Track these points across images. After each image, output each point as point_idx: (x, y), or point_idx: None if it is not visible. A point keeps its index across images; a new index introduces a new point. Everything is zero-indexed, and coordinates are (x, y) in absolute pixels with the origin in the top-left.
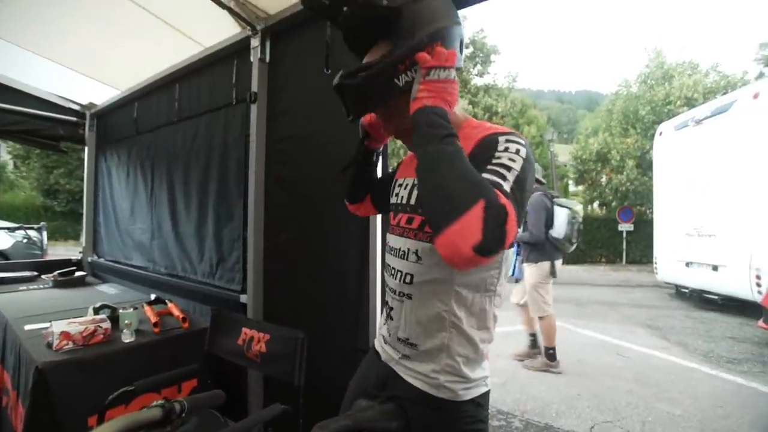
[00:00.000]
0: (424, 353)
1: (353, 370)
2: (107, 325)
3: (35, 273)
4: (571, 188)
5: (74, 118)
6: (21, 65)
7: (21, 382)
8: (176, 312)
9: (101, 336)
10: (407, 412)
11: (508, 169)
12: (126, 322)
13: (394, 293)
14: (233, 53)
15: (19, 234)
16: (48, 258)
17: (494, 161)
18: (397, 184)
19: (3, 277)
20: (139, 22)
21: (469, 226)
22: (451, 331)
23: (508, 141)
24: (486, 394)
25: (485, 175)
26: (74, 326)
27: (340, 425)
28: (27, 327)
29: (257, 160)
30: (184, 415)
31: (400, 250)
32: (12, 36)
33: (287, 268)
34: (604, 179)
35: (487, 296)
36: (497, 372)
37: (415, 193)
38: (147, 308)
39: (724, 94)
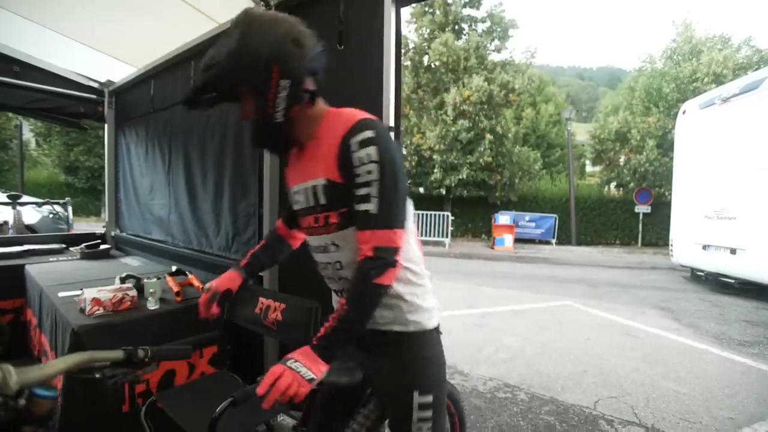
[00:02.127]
0: (383, 305)
1: None
2: (134, 293)
3: (63, 245)
4: (588, 168)
5: (93, 96)
6: (43, 44)
7: (59, 343)
8: (196, 282)
9: (128, 303)
10: (377, 360)
11: (368, 184)
12: (151, 290)
13: (334, 279)
14: None
15: (46, 209)
16: (74, 232)
17: (357, 183)
18: (293, 192)
19: (34, 249)
20: None
21: (388, 278)
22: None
23: (360, 147)
24: (437, 328)
25: (358, 207)
26: (104, 293)
27: None
28: (61, 294)
29: None
30: (147, 360)
31: (320, 246)
32: (34, 15)
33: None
34: (622, 159)
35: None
36: (504, 348)
37: (311, 195)
38: (169, 279)
39: (756, 70)
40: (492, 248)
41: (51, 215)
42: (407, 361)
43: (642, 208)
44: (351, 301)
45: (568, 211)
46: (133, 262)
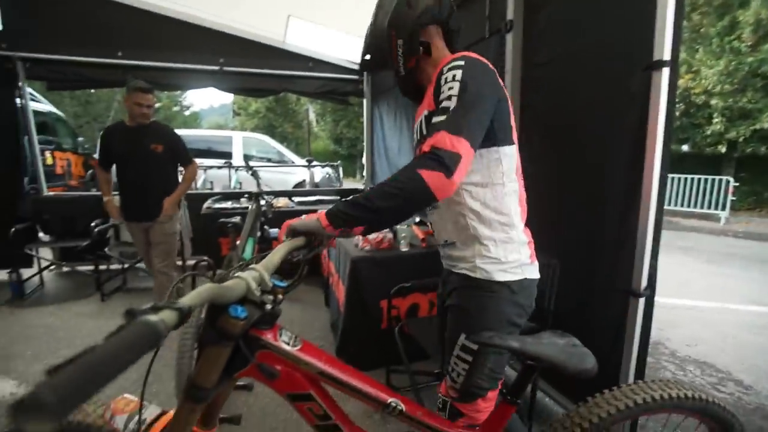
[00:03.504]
0: (462, 245)
1: (605, 309)
2: (390, 236)
3: (338, 197)
4: None
5: (356, 77)
6: (322, 39)
7: (341, 268)
8: None
9: (387, 243)
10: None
11: (449, 98)
12: (402, 235)
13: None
14: None
15: (324, 170)
16: (343, 187)
17: (440, 100)
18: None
19: (322, 200)
20: None
21: (435, 182)
22: (473, 219)
23: (448, 71)
24: (522, 282)
25: (434, 119)
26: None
27: None
28: None
29: (512, 90)
30: (317, 243)
31: None
32: (314, 17)
33: (537, 200)
34: None
35: (496, 188)
36: None
37: (418, 129)
38: (414, 227)
39: None
40: None
41: (327, 176)
42: (469, 306)
43: None
44: (384, 181)
45: None
46: None
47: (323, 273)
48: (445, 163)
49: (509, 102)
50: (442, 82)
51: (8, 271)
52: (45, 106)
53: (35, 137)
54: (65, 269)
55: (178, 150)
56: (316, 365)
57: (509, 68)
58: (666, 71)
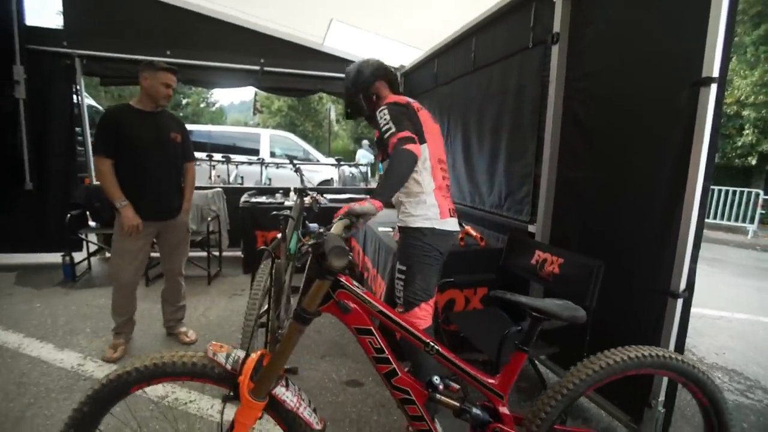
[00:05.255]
0: (398, 208)
1: (644, 310)
2: None
3: (368, 196)
4: None
5: None
6: (360, 42)
7: (380, 263)
8: (473, 233)
9: None
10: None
11: (387, 123)
12: None
13: None
14: None
15: (347, 170)
16: (369, 187)
17: (383, 130)
18: None
19: (352, 198)
20: None
21: (415, 149)
22: (401, 192)
23: (378, 114)
24: (432, 230)
25: (386, 137)
26: None
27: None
28: (379, 229)
29: (555, 99)
30: (357, 224)
31: None
32: (356, 21)
33: (578, 204)
34: None
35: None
36: None
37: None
38: (468, 227)
39: None
40: None
41: (351, 175)
42: (401, 243)
43: None
44: (387, 167)
45: None
46: None
47: (355, 269)
48: (410, 140)
49: (420, 119)
50: (379, 119)
51: (62, 254)
52: (88, 100)
53: (88, 129)
54: (109, 255)
55: (189, 142)
56: (376, 305)
57: (553, 78)
58: (714, 87)
